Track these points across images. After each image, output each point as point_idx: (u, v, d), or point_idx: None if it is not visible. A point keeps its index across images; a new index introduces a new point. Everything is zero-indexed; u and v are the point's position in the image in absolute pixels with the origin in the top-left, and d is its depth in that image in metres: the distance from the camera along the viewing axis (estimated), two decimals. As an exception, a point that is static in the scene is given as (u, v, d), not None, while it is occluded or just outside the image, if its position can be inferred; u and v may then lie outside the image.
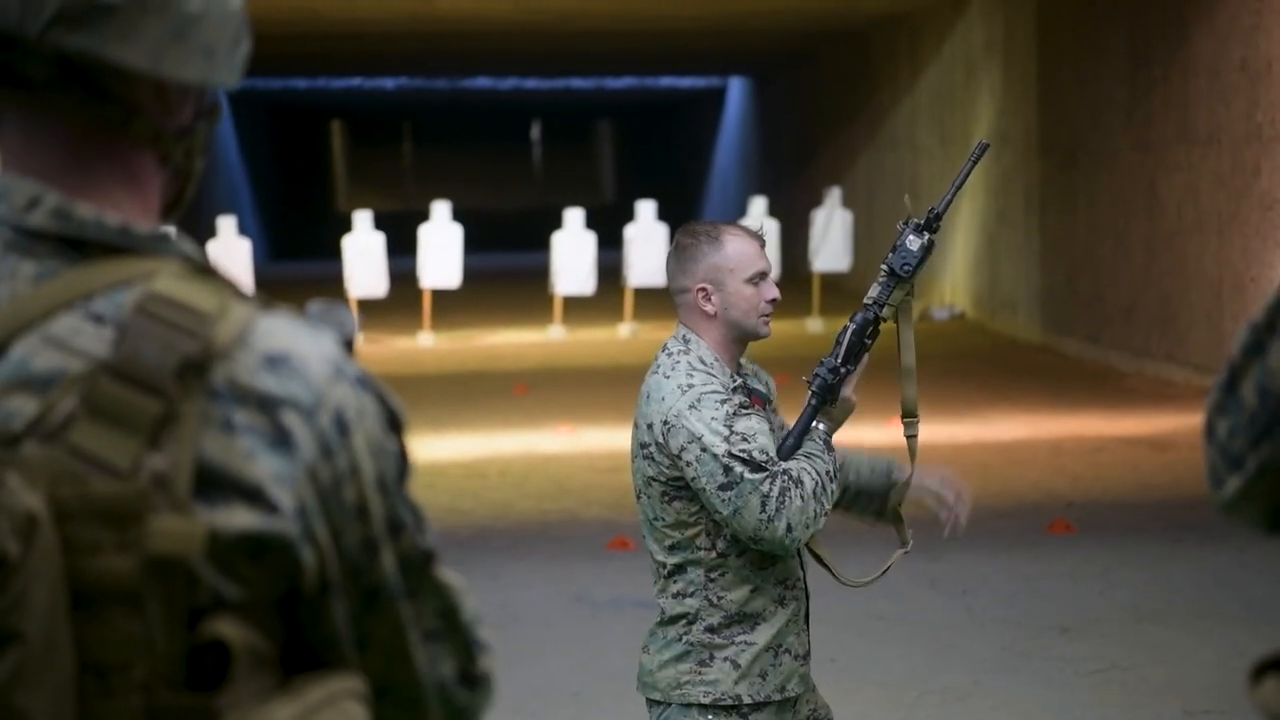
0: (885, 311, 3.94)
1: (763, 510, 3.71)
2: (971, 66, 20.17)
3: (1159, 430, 12.43)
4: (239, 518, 1.54)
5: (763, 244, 3.95)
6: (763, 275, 3.90)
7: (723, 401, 3.77)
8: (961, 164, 4.10)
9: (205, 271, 1.59)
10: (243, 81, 1.74)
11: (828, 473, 3.81)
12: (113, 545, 1.51)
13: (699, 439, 3.74)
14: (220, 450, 1.54)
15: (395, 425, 1.66)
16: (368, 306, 20.57)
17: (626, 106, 43.85)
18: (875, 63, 24.37)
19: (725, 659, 3.84)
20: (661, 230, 19.86)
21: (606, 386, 15.06)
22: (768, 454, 3.76)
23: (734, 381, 3.85)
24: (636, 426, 3.88)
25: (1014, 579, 8.31)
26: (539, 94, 38.65)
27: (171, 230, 1.62)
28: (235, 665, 1.54)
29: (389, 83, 35.04)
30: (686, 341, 3.87)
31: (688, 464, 3.76)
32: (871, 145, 24.39)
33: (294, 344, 1.59)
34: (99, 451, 1.52)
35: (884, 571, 4.10)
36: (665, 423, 3.78)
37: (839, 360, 3.89)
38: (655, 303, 20.05)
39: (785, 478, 3.74)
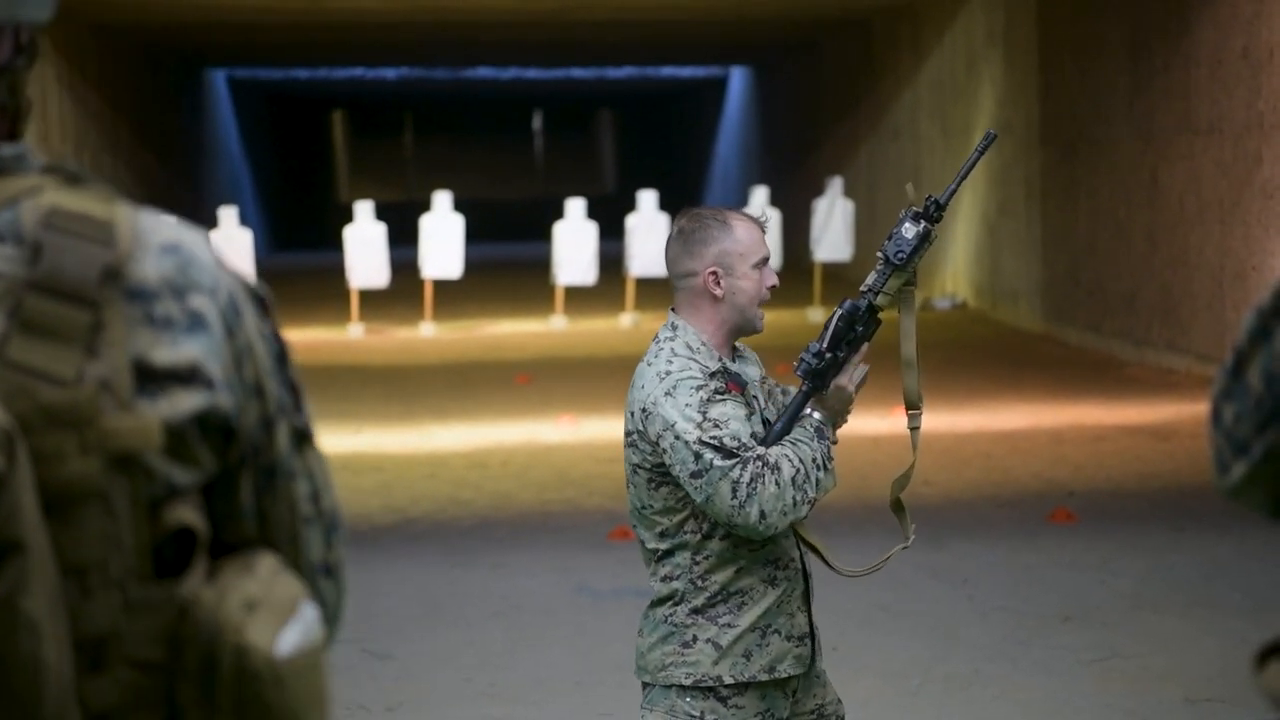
0: (881, 300, 3.92)
1: (733, 497, 3.71)
2: (973, 57, 20.15)
3: (1160, 419, 12.43)
4: (184, 401, 1.60)
5: (764, 230, 3.96)
6: (765, 261, 3.92)
7: (698, 388, 3.76)
8: (965, 153, 4.10)
9: (81, 180, 1.64)
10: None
11: (814, 460, 3.78)
12: (75, 450, 1.56)
13: (672, 426, 3.75)
14: (149, 345, 1.60)
15: (265, 309, 1.72)
16: (369, 297, 20.57)
17: (628, 96, 43.81)
18: (877, 53, 24.35)
19: (707, 640, 3.83)
20: (663, 220, 19.84)
21: (608, 376, 15.06)
22: (739, 440, 3.73)
23: (715, 366, 3.84)
24: (625, 415, 3.90)
25: (1015, 568, 8.32)
26: (540, 84, 38.63)
27: (26, 146, 1.67)
28: (199, 550, 1.60)
29: (390, 73, 35.02)
30: (675, 328, 3.88)
31: (664, 451, 3.76)
32: (873, 135, 24.38)
33: (180, 235, 1.66)
34: (41, 364, 1.56)
35: (882, 563, 4.08)
36: (644, 410, 3.80)
37: (824, 345, 3.87)
38: (657, 292, 20.04)
39: (759, 464, 3.72)
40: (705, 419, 3.73)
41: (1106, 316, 16.47)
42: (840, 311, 3.90)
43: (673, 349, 3.83)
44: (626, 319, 19.83)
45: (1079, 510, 9.45)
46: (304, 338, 19.43)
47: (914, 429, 4.02)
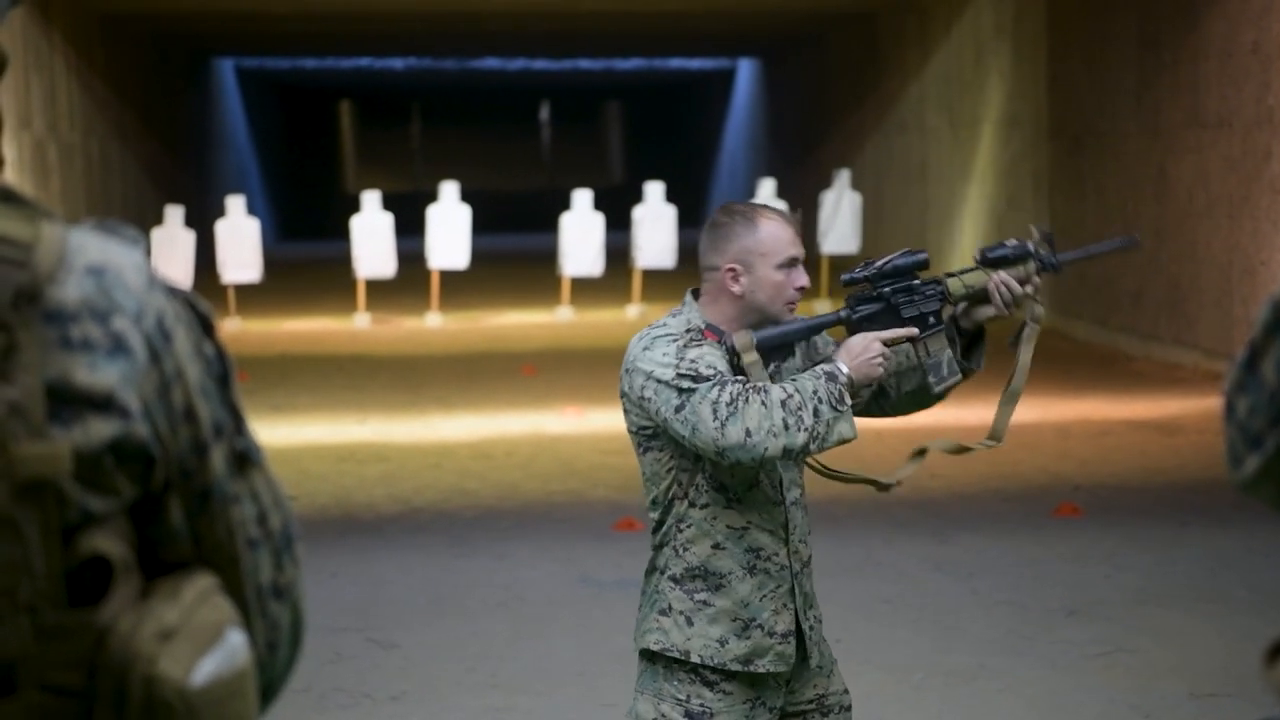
0: (953, 283, 4.05)
1: (714, 418, 3.70)
2: (981, 50, 20.13)
3: (1167, 414, 12.41)
4: (97, 429, 1.59)
5: (798, 229, 3.95)
6: (794, 261, 3.91)
7: (674, 339, 3.82)
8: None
9: (7, 197, 1.62)
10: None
11: (814, 392, 3.75)
12: None
13: (651, 374, 3.79)
14: (64, 369, 1.58)
15: (208, 328, 1.71)
16: (376, 287, 20.56)
17: (635, 88, 43.79)
18: (884, 45, 24.33)
19: (680, 612, 3.85)
20: (670, 212, 19.83)
21: (614, 368, 14.99)
22: (716, 369, 3.75)
23: (695, 325, 3.86)
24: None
25: (1020, 562, 8.31)
26: (547, 75, 38.61)
27: None
28: (116, 577, 1.59)
29: (398, 63, 35.01)
30: (679, 311, 3.91)
31: (648, 400, 3.79)
32: (880, 128, 24.36)
33: (109, 256, 1.64)
34: None
35: (920, 455, 4.30)
36: (627, 370, 3.86)
37: (877, 268, 4.01)
38: (663, 284, 20.04)
39: (740, 385, 3.73)
40: (683, 360, 3.77)
41: (1113, 311, 16.46)
42: (901, 253, 4.04)
43: (664, 321, 3.88)
44: (633, 310, 19.82)
45: (1084, 504, 9.44)
46: (310, 327, 19.43)
47: (978, 447, 4.21)
